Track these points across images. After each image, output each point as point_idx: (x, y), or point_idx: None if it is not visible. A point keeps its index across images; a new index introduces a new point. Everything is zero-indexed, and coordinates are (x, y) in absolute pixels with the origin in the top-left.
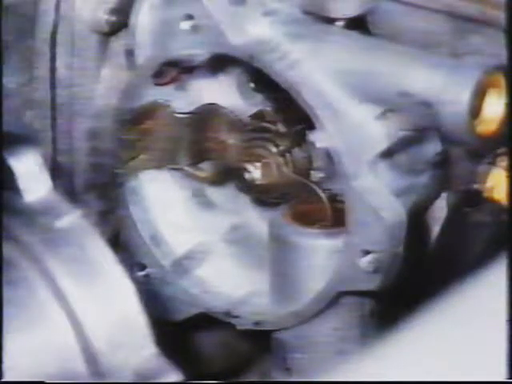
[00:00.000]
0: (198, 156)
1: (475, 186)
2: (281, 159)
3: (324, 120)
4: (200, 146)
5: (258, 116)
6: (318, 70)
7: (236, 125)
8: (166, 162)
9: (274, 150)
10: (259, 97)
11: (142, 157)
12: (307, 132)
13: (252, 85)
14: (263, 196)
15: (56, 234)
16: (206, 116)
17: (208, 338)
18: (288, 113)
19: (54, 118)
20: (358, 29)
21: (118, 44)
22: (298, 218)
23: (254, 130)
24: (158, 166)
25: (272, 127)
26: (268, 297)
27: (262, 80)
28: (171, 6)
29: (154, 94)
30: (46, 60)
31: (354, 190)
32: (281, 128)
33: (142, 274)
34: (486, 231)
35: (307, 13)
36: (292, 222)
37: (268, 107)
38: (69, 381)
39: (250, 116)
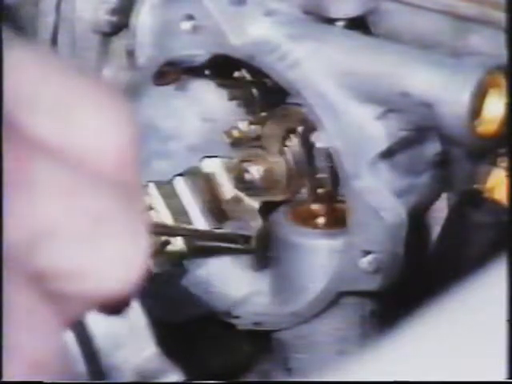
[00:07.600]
0: (217, 216)
1: (475, 186)
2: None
3: (324, 120)
4: (212, 206)
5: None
6: (319, 70)
7: (230, 166)
8: (196, 236)
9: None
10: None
11: (168, 244)
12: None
13: (217, 81)
14: (267, 194)
15: None
16: (198, 176)
17: (208, 338)
18: (259, 104)
19: None
20: (359, 29)
21: (118, 44)
22: (298, 218)
23: (239, 145)
24: (191, 247)
25: (254, 135)
26: (268, 297)
27: (227, 75)
28: (172, 6)
29: (154, 94)
30: None
31: (354, 189)
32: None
33: None
34: (486, 231)
35: (308, 13)
36: (292, 221)
37: (242, 115)
38: (69, 381)
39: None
